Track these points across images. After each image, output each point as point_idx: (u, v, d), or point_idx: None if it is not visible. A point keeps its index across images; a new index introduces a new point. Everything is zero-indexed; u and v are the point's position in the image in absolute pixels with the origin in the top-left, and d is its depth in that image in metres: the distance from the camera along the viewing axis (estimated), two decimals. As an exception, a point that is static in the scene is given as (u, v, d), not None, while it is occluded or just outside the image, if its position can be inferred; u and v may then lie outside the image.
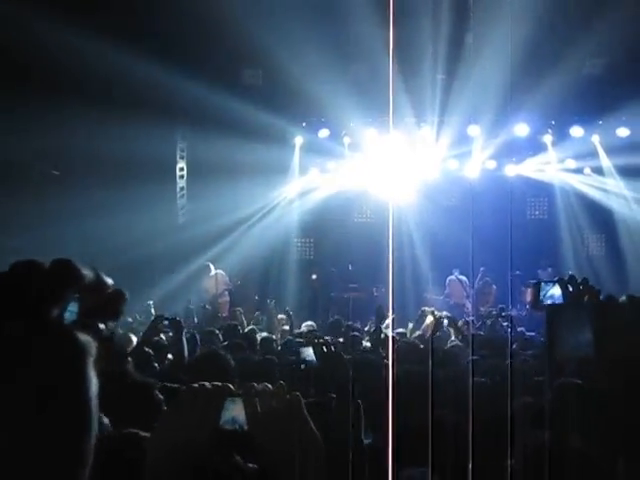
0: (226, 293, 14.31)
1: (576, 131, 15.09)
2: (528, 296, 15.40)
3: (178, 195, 15.04)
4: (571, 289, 2.84)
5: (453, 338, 8.09)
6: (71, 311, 0.74)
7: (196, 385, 1.70)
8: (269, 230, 15.72)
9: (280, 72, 12.90)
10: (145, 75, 11.71)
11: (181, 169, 14.99)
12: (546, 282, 3.10)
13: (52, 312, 0.72)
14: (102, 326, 0.75)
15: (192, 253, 14.20)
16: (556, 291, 2.96)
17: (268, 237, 15.59)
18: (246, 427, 1.65)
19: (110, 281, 0.78)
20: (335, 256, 16.69)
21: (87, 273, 0.75)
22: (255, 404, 1.64)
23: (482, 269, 15.42)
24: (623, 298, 2.48)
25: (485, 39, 12.06)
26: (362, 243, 16.07)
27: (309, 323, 9.97)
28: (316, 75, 12.61)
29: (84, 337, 0.72)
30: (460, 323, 9.07)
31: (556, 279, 2.98)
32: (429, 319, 9.09)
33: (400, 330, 9.20)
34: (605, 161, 15.60)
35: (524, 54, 11.91)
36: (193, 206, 15.28)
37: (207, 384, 1.67)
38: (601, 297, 2.79)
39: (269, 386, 1.67)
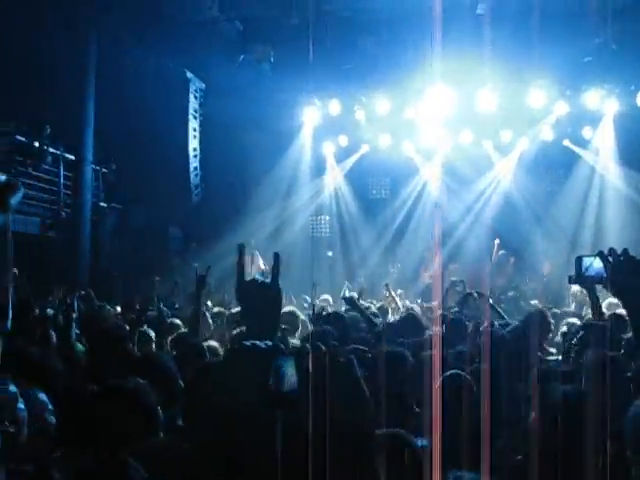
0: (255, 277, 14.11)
1: None
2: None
3: (192, 175, 15.02)
4: (611, 260, 2.84)
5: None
6: None
7: (249, 344, 1.69)
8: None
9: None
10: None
11: (194, 149, 14.97)
12: (587, 256, 3.14)
13: None
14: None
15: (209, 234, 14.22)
16: (597, 263, 2.99)
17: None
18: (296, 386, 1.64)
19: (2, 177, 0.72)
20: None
21: None
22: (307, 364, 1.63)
23: (497, 242, 15.38)
24: None
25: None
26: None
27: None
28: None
29: None
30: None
31: (597, 252, 3.00)
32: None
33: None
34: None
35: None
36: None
37: (259, 343, 1.66)
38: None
39: (322, 347, 1.66)
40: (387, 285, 10.72)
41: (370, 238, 16.61)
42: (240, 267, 2.78)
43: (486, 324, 6.07)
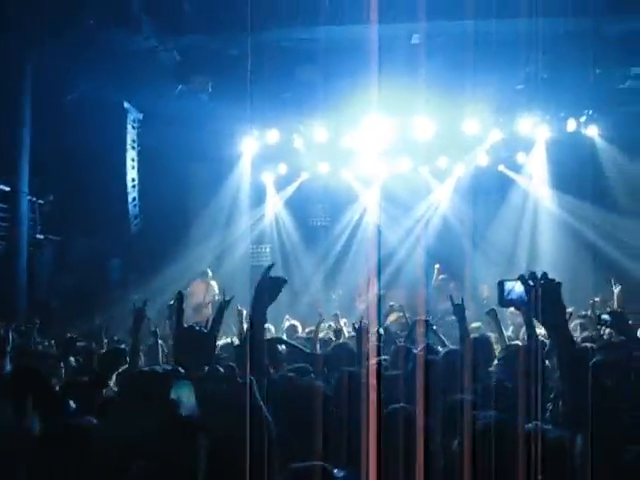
0: (210, 305, 13.83)
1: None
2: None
3: (130, 205, 14.86)
4: (532, 284, 2.91)
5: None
6: None
7: (147, 369, 1.71)
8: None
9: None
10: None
11: (133, 180, 14.82)
12: (509, 280, 3.16)
13: None
14: None
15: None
16: (519, 288, 3.03)
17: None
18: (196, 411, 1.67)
19: None
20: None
21: None
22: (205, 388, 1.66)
23: (437, 266, 15.61)
24: None
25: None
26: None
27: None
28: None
29: None
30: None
31: (518, 276, 3.05)
32: (393, 316, 9.12)
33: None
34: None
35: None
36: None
37: (157, 368, 1.68)
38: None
39: (220, 369, 1.69)
40: (337, 315, 10.68)
41: (311, 266, 16.67)
42: (178, 314, 2.81)
43: (421, 348, 6.14)
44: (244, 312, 7.80)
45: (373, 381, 4.23)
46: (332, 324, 10.40)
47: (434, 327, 7.93)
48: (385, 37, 12.26)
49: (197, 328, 3.29)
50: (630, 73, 13.43)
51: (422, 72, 12.90)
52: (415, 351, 6.30)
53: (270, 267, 3.34)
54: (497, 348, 7.63)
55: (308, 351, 7.01)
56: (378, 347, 6.35)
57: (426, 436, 3.45)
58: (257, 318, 3.09)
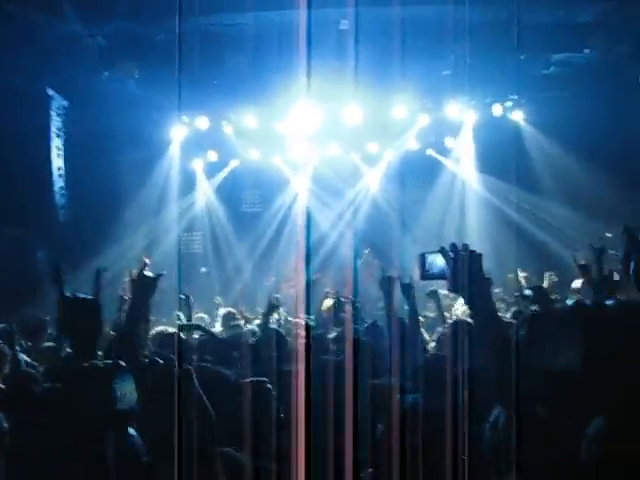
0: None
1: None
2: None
3: (57, 195, 14.53)
4: (453, 256, 2.91)
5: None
6: None
7: (87, 364, 1.73)
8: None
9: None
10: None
11: (59, 168, 14.50)
12: (430, 252, 3.16)
13: None
14: None
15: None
16: (440, 260, 3.03)
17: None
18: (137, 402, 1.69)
19: None
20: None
21: None
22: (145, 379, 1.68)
23: (367, 251, 15.76)
24: (610, 302, 2.55)
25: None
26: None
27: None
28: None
29: None
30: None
31: (439, 248, 3.03)
32: (328, 302, 9.10)
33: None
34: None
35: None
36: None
37: (99, 363, 1.70)
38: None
39: (160, 361, 1.71)
40: (277, 299, 10.51)
41: (244, 252, 16.64)
42: (59, 285, 2.82)
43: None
44: (190, 297, 7.76)
45: (300, 367, 4.23)
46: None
47: (358, 305, 7.96)
48: (314, 23, 12.26)
49: (81, 296, 3.25)
50: (553, 59, 13.76)
51: (351, 58, 12.96)
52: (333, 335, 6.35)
53: (145, 265, 3.39)
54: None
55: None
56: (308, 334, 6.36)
57: (355, 421, 3.49)
58: (134, 313, 3.14)
